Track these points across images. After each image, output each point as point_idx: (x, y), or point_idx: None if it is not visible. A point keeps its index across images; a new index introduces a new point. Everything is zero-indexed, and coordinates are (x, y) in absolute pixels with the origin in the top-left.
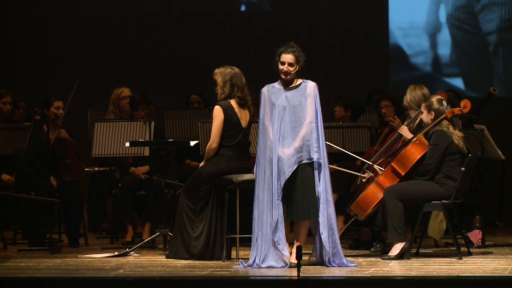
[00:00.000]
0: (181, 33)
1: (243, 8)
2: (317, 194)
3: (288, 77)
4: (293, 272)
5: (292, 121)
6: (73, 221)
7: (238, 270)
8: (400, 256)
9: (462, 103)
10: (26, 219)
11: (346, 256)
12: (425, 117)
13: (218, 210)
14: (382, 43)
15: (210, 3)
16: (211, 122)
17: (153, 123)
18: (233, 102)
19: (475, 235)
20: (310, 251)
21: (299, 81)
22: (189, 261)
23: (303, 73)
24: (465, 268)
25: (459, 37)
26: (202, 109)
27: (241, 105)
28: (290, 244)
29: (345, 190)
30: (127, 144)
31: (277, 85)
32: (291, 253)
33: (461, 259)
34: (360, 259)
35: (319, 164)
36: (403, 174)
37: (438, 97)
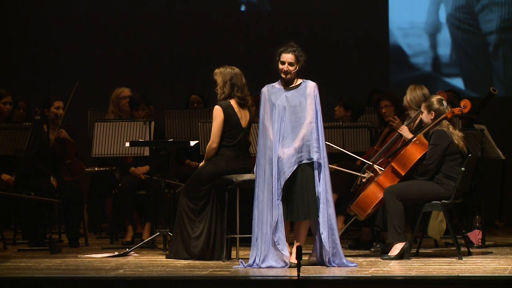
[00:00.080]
0: (181, 33)
1: (243, 8)
2: (317, 194)
3: (288, 76)
4: (293, 272)
5: (292, 121)
6: (73, 221)
7: (238, 270)
8: (400, 256)
9: (462, 103)
10: (26, 219)
11: (346, 256)
12: (425, 117)
13: (218, 210)
14: (382, 43)
15: (210, 3)
16: (211, 122)
17: (153, 123)
18: (233, 102)
19: (475, 235)
20: (310, 251)
21: (299, 81)
22: (189, 261)
23: (303, 73)
24: (465, 268)
25: (459, 37)
26: (202, 109)
27: (241, 105)
28: (290, 244)
29: (345, 190)
30: (127, 144)
31: (277, 85)
32: (291, 253)
33: (461, 259)
34: (360, 259)
35: (319, 164)
36: (403, 174)
37: (438, 97)
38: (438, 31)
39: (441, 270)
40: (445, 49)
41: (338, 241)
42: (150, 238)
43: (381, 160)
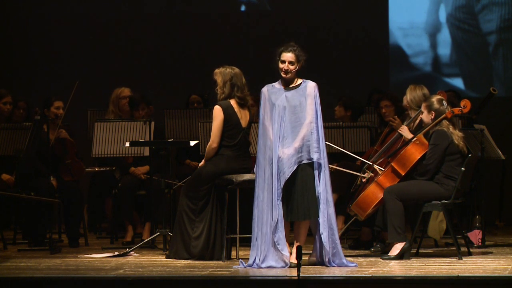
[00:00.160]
0: (181, 33)
1: (243, 8)
2: (317, 194)
3: (289, 75)
4: (293, 272)
5: (292, 121)
6: (73, 221)
7: (238, 270)
8: (400, 256)
9: (462, 103)
10: (26, 219)
11: (346, 256)
12: (425, 117)
13: (218, 210)
14: (382, 43)
15: (210, 3)
16: (211, 122)
17: (153, 123)
18: (233, 102)
19: (475, 235)
20: (310, 251)
21: (299, 81)
22: (189, 261)
23: (303, 73)
24: (465, 268)
25: (459, 37)
26: (202, 109)
27: (241, 105)
28: (290, 244)
29: (345, 190)
30: (127, 144)
31: (277, 85)
32: (291, 253)
33: (461, 259)
34: (360, 259)
35: (319, 164)
36: (403, 174)
37: (438, 97)
38: (438, 31)
39: (441, 270)
40: (445, 49)
41: (338, 241)
42: (150, 238)
43: (381, 160)
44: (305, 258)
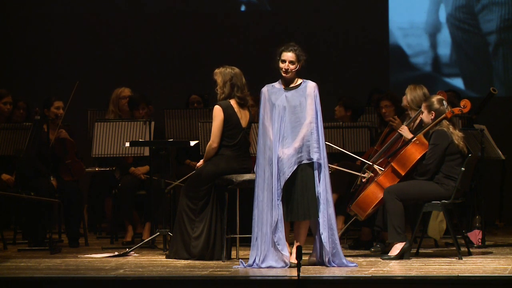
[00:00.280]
0: (181, 33)
1: (243, 8)
2: (317, 194)
3: (289, 75)
4: (293, 272)
5: (292, 121)
6: (73, 221)
7: (238, 270)
8: (400, 256)
9: (462, 103)
10: (26, 219)
11: (346, 256)
12: (425, 117)
13: (218, 210)
14: (382, 43)
15: (210, 3)
16: (211, 122)
17: (153, 123)
18: (233, 102)
19: (475, 235)
20: (310, 251)
21: (299, 81)
22: (189, 261)
23: (304, 73)
24: (465, 268)
25: (459, 37)
26: (202, 109)
27: (241, 105)
28: (290, 244)
29: (345, 190)
30: (127, 144)
31: (277, 85)
32: (291, 253)
33: (461, 259)
34: (360, 259)
35: (319, 165)
36: (403, 174)
37: (439, 97)
38: (438, 31)
39: (441, 270)
40: (445, 49)
41: (338, 241)
42: (150, 238)
43: (381, 160)
44: (305, 258)
